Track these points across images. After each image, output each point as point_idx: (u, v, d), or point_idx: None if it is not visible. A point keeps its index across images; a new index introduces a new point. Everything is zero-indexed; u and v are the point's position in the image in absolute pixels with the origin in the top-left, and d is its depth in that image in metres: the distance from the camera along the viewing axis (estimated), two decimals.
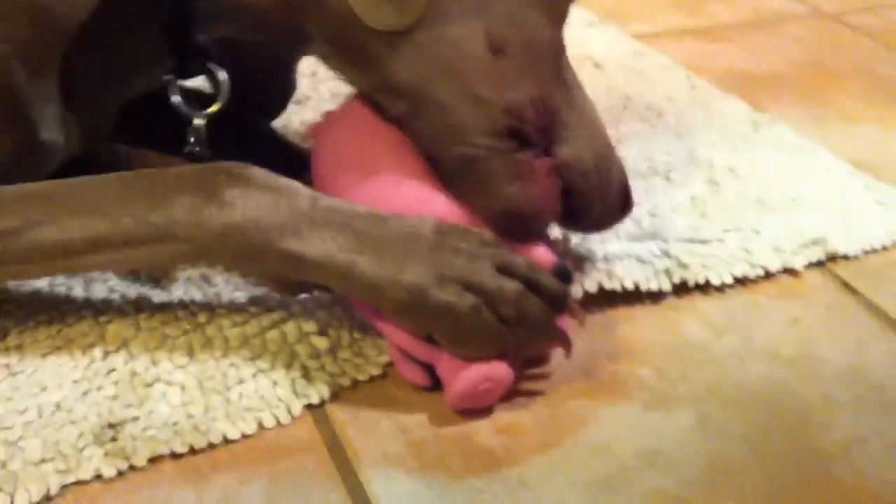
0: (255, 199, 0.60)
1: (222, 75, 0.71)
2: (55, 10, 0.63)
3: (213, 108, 0.71)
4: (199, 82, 0.73)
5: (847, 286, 0.78)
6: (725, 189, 0.88)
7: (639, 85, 1.08)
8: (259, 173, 0.61)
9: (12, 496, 0.55)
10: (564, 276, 0.64)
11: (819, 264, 0.80)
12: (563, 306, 0.63)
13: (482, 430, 0.62)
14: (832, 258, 0.80)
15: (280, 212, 0.60)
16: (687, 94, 1.06)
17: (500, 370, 0.61)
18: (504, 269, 0.61)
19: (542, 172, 0.64)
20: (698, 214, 0.83)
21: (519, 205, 0.63)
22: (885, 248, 0.82)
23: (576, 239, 0.76)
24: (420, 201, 0.64)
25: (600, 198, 0.67)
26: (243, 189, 0.60)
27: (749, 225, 0.82)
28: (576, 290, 0.70)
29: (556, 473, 0.59)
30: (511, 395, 0.64)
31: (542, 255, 0.64)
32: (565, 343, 0.63)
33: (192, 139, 0.71)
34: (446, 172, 0.64)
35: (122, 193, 0.61)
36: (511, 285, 0.61)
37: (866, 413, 0.65)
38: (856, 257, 0.81)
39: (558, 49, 0.67)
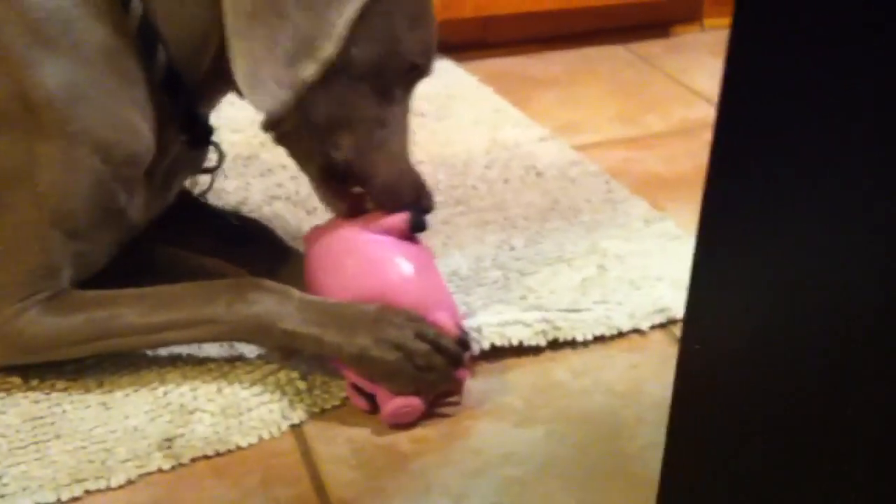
0: (267, 299, 0.94)
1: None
2: (134, 149, 0.96)
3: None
4: None
5: None
6: (610, 272, 1.18)
7: (568, 189, 1.38)
8: (269, 283, 0.95)
9: (109, 480, 0.88)
10: (464, 343, 0.95)
11: (663, 326, 1.09)
12: (459, 362, 0.94)
13: (402, 440, 0.93)
14: (674, 321, 1.10)
15: (281, 306, 0.94)
16: (603, 196, 1.37)
17: (415, 401, 0.93)
18: (420, 336, 0.92)
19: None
20: (581, 292, 1.13)
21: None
22: None
23: (478, 309, 1.07)
24: (374, 289, 0.96)
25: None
26: (260, 293, 0.94)
27: (616, 299, 1.12)
28: (475, 349, 1.01)
29: (444, 466, 0.90)
30: (426, 417, 0.95)
31: (451, 327, 0.94)
32: (459, 387, 0.95)
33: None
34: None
35: (186, 295, 0.95)
36: (423, 346, 0.92)
37: (664, 428, 0.94)
38: None
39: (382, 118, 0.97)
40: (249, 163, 1.42)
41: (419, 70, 0.97)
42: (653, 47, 1.91)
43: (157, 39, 0.92)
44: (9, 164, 0.92)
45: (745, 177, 0.61)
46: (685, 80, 1.78)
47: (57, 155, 0.92)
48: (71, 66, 0.90)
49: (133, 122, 0.94)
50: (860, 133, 0.53)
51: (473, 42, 1.89)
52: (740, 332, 0.64)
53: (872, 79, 0.51)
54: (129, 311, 0.95)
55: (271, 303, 0.94)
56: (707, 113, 1.66)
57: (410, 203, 0.99)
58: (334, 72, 0.92)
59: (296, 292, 0.95)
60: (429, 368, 0.92)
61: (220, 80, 0.96)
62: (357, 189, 1.00)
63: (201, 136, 1.04)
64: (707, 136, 1.59)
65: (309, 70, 0.89)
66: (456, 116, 1.60)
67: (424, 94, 1.07)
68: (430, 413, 0.95)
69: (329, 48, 0.89)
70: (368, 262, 0.97)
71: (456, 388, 0.95)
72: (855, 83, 0.52)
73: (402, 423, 0.94)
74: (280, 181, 1.36)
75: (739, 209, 0.62)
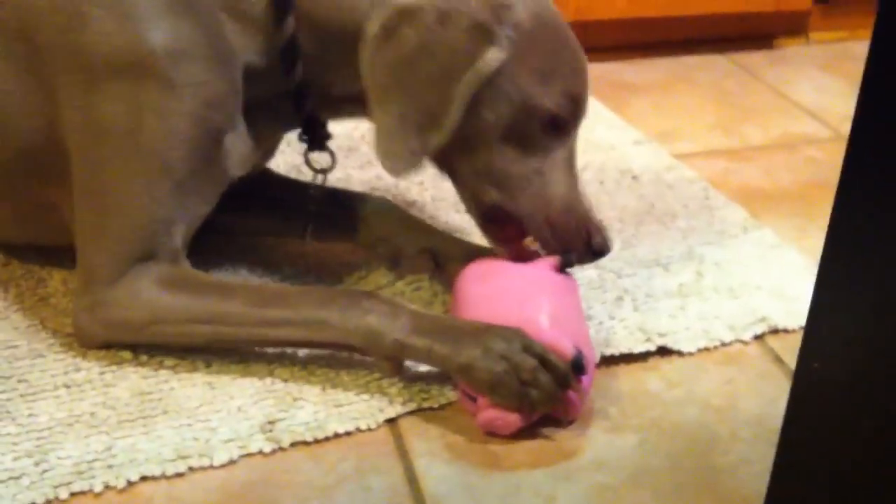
0: (380, 308, 0.92)
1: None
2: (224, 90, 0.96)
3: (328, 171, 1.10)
4: None
5: (777, 357, 1.02)
6: (707, 278, 1.14)
7: (664, 194, 1.34)
8: (383, 296, 0.94)
9: (211, 459, 0.88)
10: (578, 364, 0.89)
11: (760, 337, 1.04)
12: (566, 381, 0.88)
13: (495, 440, 0.90)
14: (773, 332, 1.05)
15: (393, 317, 0.92)
16: (700, 202, 1.32)
17: (510, 417, 0.89)
18: (527, 350, 0.88)
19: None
20: (679, 298, 1.09)
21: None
22: None
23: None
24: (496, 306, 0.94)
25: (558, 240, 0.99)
26: (373, 303, 0.93)
27: (714, 308, 1.08)
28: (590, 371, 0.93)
29: (535, 468, 0.87)
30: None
31: (565, 348, 0.89)
32: (568, 412, 0.90)
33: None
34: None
35: (301, 295, 0.95)
36: (530, 361, 0.88)
37: (759, 445, 0.90)
38: (792, 331, 1.05)
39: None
40: (350, 154, 1.42)
41: (563, 120, 0.97)
42: (755, 58, 1.85)
43: (299, 57, 0.98)
44: (115, 115, 0.93)
45: (875, 193, 0.57)
46: (788, 93, 1.71)
47: (161, 103, 0.93)
48: (186, 25, 0.93)
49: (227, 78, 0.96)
50: None
51: None
52: (864, 352, 0.60)
53: None
54: (243, 300, 0.94)
55: (384, 313, 0.92)
56: (810, 127, 1.59)
57: (577, 247, 0.98)
58: (468, 133, 0.95)
59: (407, 305, 0.94)
60: (533, 384, 0.88)
61: (349, 105, 1.01)
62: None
63: (319, 139, 1.06)
64: (809, 151, 1.52)
65: (435, 140, 0.94)
66: None
67: None
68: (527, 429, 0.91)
69: (450, 120, 0.93)
70: (496, 287, 0.95)
71: (564, 411, 0.90)
72: None
73: (497, 433, 0.91)
74: (380, 173, 1.35)
75: (868, 227, 0.58)
